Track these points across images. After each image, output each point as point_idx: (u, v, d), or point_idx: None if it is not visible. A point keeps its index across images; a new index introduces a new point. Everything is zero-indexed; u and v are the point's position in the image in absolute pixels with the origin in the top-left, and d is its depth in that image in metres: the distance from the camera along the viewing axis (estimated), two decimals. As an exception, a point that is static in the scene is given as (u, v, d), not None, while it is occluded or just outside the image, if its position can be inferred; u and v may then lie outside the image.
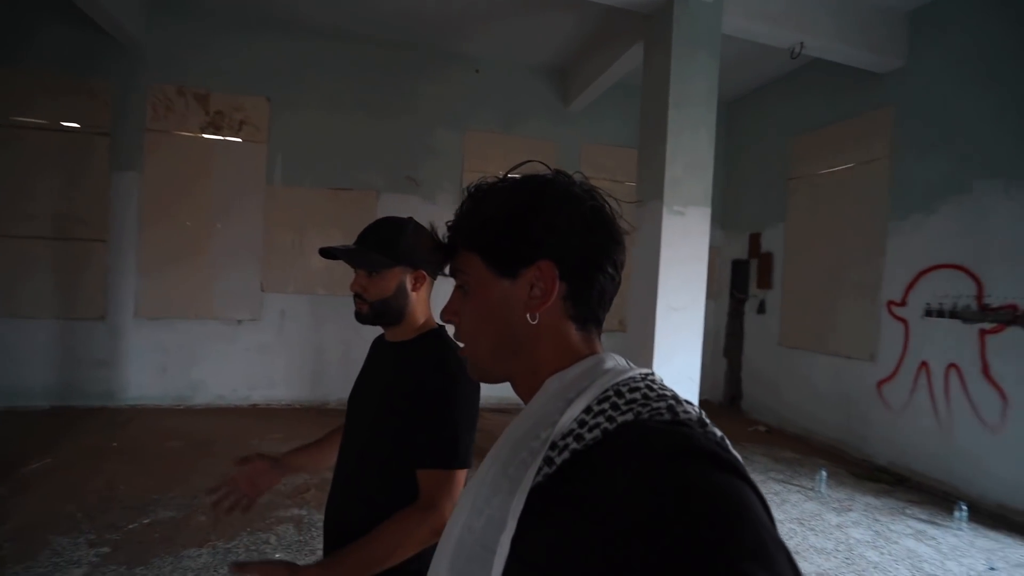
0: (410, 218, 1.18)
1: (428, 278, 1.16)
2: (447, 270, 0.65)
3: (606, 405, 0.48)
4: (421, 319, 1.17)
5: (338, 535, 1.10)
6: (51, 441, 3.80)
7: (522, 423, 0.54)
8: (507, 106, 5.77)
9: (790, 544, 2.00)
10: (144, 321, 4.85)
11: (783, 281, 5.52)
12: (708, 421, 0.48)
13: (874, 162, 4.53)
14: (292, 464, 1.32)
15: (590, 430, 0.47)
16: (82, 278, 4.70)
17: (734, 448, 0.46)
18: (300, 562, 2.39)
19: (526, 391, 0.58)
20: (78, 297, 4.70)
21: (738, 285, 6.20)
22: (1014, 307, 3.49)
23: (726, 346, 6.38)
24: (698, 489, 0.38)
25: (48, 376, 4.63)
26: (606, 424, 0.46)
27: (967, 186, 3.81)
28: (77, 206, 4.68)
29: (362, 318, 1.15)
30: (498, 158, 5.74)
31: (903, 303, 4.22)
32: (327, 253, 1.14)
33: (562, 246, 0.55)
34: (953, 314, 3.85)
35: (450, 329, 0.68)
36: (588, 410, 0.48)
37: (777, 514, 3.29)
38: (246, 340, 5.11)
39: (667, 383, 0.53)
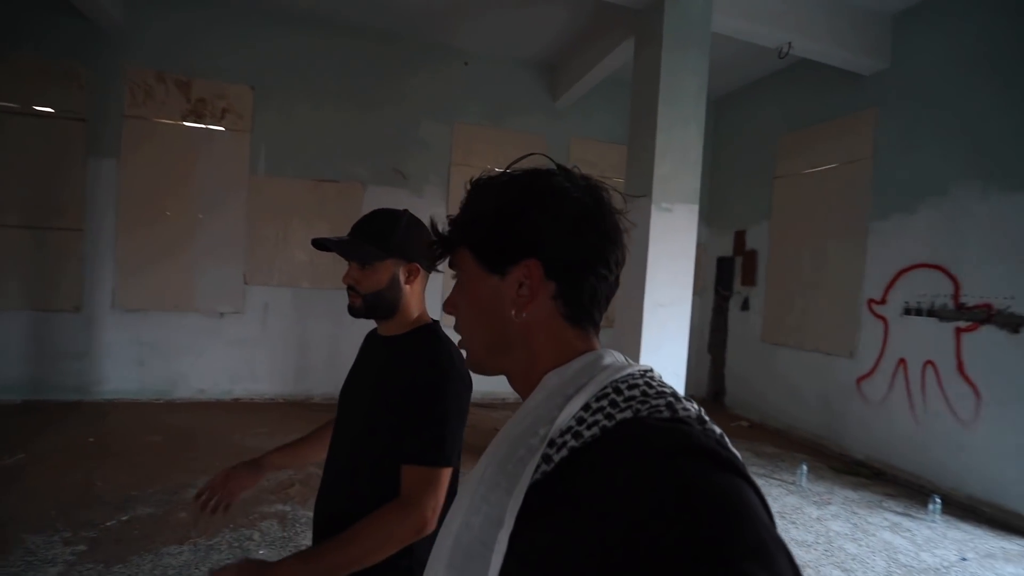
0: (405, 210, 1.16)
1: (422, 272, 1.14)
2: (447, 263, 0.64)
3: (605, 402, 0.48)
4: (415, 313, 1.15)
5: (328, 531, 1.08)
6: (24, 436, 3.69)
7: (520, 420, 0.53)
8: (496, 100, 5.74)
9: (774, 538, 2.04)
10: (122, 313, 4.72)
11: (767, 278, 5.60)
12: (707, 418, 0.47)
13: (857, 162, 4.61)
14: (274, 463, 1.30)
15: (589, 428, 0.46)
16: (57, 268, 4.56)
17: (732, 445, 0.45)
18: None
19: (522, 386, 0.58)
20: (53, 288, 4.56)
21: (723, 282, 6.27)
22: (988, 306, 3.58)
23: (710, 342, 6.46)
24: (697, 488, 0.37)
25: (21, 369, 4.49)
26: (605, 422, 0.46)
27: (945, 188, 3.90)
28: (51, 194, 4.53)
29: (355, 311, 1.13)
30: (486, 152, 5.71)
31: (883, 301, 4.31)
32: (319, 244, 1.11)
33: (549, 246, 0.54)
34: (931, 312, 3.94)
35: (450, 320, 0.67)
36: (587, 407, 0.48)
37: (759, 508, 3.34)
38: (228, 333, 5.01)
39: None
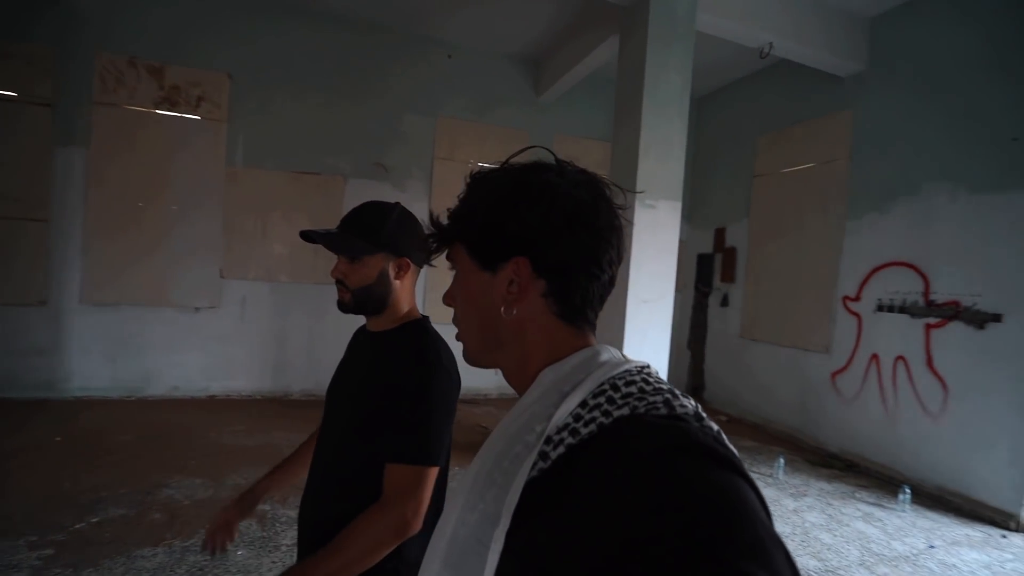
0: (396, 203, 1.13)
1: (413, 266, 1.12)
2: (444, 256, 0.64)
3: (602, 399, 0.47)
4: (404, 308, 1.13)
5: (313, 531, 1.07)
6: (-14, 435, 3.54)
7: (517, 417, 0.53)
8: (479, 94, 5.70)
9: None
10: (90, 307, 4.56)
11: (746, 275, 5.70)
12: (704, 415, 0.47)
13: (833, 162, 4.71)
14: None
15: (585, 424, 0.46)
16: (20, 260, 4.37)
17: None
18: (264, 558, 2.31)
19: (517, 382, 0.58)
20: (15, 281, 4.36)
21: (703, 279, 6.36)
22: (956, 303, 3.71)
23: (690, 338, 6.55)
24: (695, 486, 0.37)
25: (-19, 365, 4.30)
26: (602, 418, 0.46)
27: (917, 189, 4.01)
28: (13, 182, 4.33)
29: (344, 306, 1.10)
30: (470, 146, 5.68)
31: (857, 298, 4.43)
32: (307, 236, 1.08)
33: (539, 243, 0.54)
34: (902, 309, 4.06)
35: (439, 317, 0.66)
36: (583, 404, 0.47)
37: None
38: (204, 328, 4.88)
39: None
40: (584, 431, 0.46)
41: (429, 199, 5.53)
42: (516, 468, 0.48)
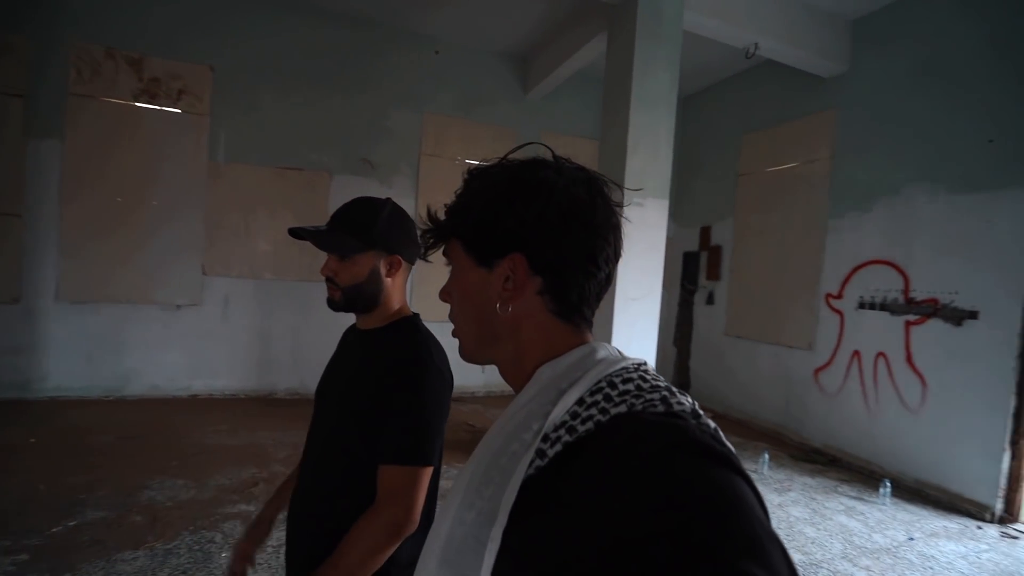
0: (388, 199, 1.11)
1: (404, 264, 1.10)
2: (441, 252, 0.63)
3: (599, 396, 0.47)
4: (395, 306, 1.11)
5: (302, 531, 1.04)
6: (-44, 437, 3.43)
7: (514, 414, 0.52)
8: (466, 90, 5.66)
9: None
10: (67, 305, 4.43)
11: (731, 273, 5.76)
12: (701, 412, 0.47)
13: (817, 162, 4.78)
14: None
15: (583, 422, 0.46)
16: (-8, 257, 4.23)
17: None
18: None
19: (513, 378, 0.58)
20: (-13, 278, 4.23)
21: (688, 276, 6.41)
22: (935, 301, 3.79)
23: (676, 335, 6.61)
24: (693, 484, 0.37)
25: (-49, 365, 4.16)
26: (599, 416, 0.45)
27: (897, 188, 4.09)
28: (-16, 176, 4.19)
29: (334, 305, 1.08)
30: (457, 143, 5.65)
31: (839, 296, 4.51)
32: (296, 234, 1.06)
33: (535, 240, 0.53)
34: (883, 306, 4.14)
35: (431, 315, 0.65)
36: (581, 401, 0.47)
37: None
38: (186, 326, 4.78)
39: None
40: (581, 429, 0.45)
41: (416, 196, 5.49)
42: (513, 466, 0.48)
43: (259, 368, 5.05)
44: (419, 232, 0.63)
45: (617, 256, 0.57)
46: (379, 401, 0.97)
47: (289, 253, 4.99)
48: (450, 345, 1.07)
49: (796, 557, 2.76)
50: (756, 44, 4.27)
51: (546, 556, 0.41)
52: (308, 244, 1.08)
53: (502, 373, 0.60)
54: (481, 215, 0.56)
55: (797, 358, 4.86)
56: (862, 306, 4.30)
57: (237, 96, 4.82)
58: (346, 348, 1.17)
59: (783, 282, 5.06)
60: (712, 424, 0.46)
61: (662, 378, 0.50)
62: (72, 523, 2.54)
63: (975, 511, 3.43)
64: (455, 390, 1.09)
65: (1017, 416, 3.34)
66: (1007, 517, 3.36)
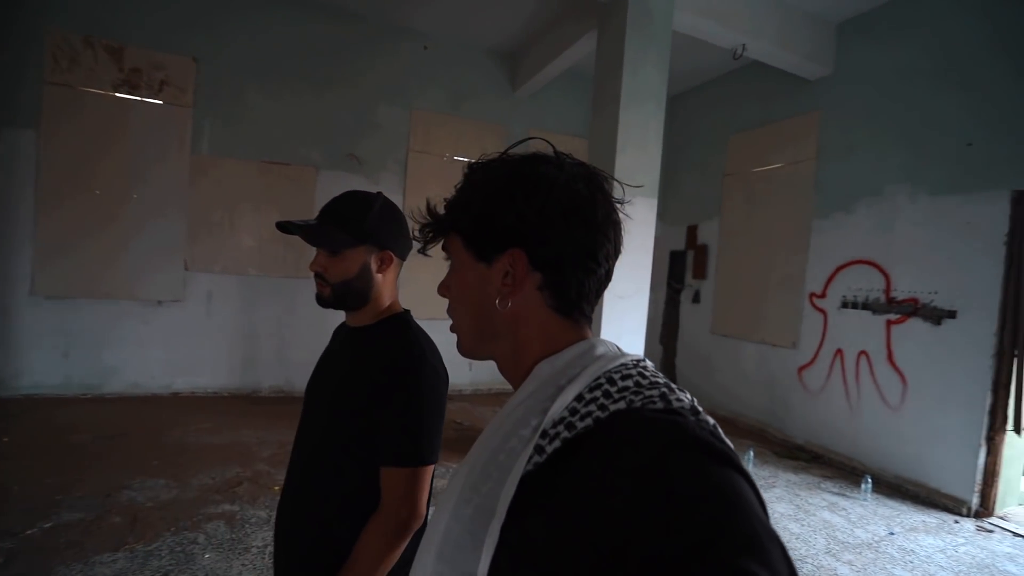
0: (379, 193, 1.09)
1: (396, 259, 1.08)
2: (440, 247, 0.63)
3: (598, 393, 0.47)
4: (386, 303, 1.09)
5: (292, 536, 1.02)
6: (-75, 437, 3.31)
7: (512, 410, 0.52)
8: (455, 86, 5.63)
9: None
10: (42, 300, 4.31)
11: (717, 272, 5.82)
12: (700, 409, 0.47)
13: (801, 163, 4.84)
14: None
15: (582, 419, 0.46)
16: (-38, 250, 4.09)
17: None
18: (234, 561, 2.23)
19: (511, 374, 0.58)
20: (-43, 272, 4.09)
21: (675, 275, 6.46)
22: (915, 300, 3.87)
23: (662, 334, 6.66)
24: (692, 481, 0.37)
25: (-81, 362, 4.02)
26: (598, 413, 0.46)
27: (879, 189, 4.16)
28: (-45, 167, 4.05)
29: (323, 301, 1.06)
30: (445, 139, 5.62)
31: (823, 295, 4.58)
32: (284, 228, 1.03)
33: (534, 236, 0.53)
34: (865, 306, 4.22)
35: (424, 313, 0.64)
36: (579, 398, 0.47)
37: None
38: (167, 322, 4.68)
39: None
40: (580, 425, 0.45)
41: (403, 192, 5.44)
42: (511, 462, 0.48)
43: (243, 365, 4.97)
44: (418, 226, 0.62)
45: (617, 253, 0.58)
46: (374, 401, 0.95)
47: (274, 249, 4.92)
48: (440, 342, 1.06)
49: (781, 552, 2.79)
50: (744, 45, 4.31)
51: (544, 552, 0.41)
52: (294, 239, 1.06)
53: (500, 369, 0.59)
54: (481, 210, 0.56)
55: (781, 357, 4.93)
56: (845, 305, 4.38)
57: (222, 88, 4.73)
58: (337, 346, 1.15)
59: (768, 281, 5.12)
60: (711, 421, 0.46)
61: (661, 375, 0.50)
62: (48, 525, 2.47)
63: (952, 506, 3.51)
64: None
65: (993, 413, 3.42)
66: (983, 511, 3.45)
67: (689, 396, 0.48)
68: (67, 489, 2.81)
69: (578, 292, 0.55)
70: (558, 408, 0.47)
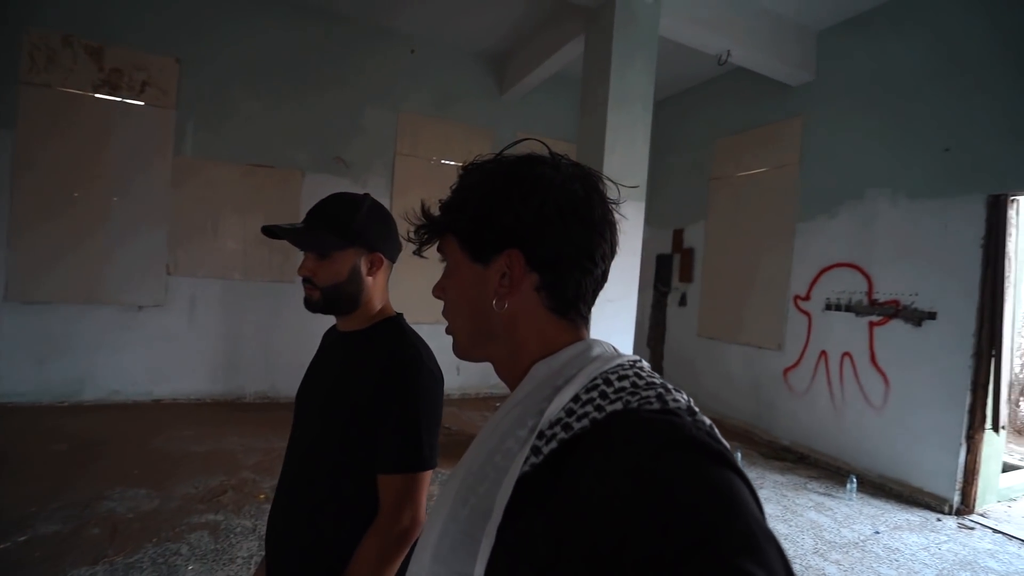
0: (366, 194, 1.08)
1: (386, 262, 1.06)
2: (435, 248, 0.62)
3: (595, 394, 0.47)
4: (377, 306, 1.08)
5: (283, 550, 0.99)
6: None
7: (508, 411, 0.52)
8: (442, 90, 5.63)
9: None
10: (17, 305, 4.18)
11: (703, 276, 5.88)
12: (697, 409, 0.47)
13: (785, 167, 4.92)
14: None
15: (579, 419, 0.46)
16: (-67, 255, 3.96)
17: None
18: (218, 572, 2.17)
19: (508, 376, 0.58)
20: (-73, 277, 3.96)
21: (662, 278, 6.51)
22: (896, 302, 3.95)
23: (649, 336, 6.70)
24: (689, 481, 0.37)
25: None
26: (595, 413, 0.46)
27: (861, 193, 4.25)
28: (-74, 169, 3.92)
29: (312, 305, 1.04)
30: (432, 142, 5.61)
31: (807, 297, 4.65)
32: (271, 232, 1.01)
33: (532, 237, 0.54)
34: (848, 308, 4.29)
35: (416, 316, 0.64)
36: (576, 399, 0.47)
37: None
38: (148, 328, 4.58)
39: None
40: (577, 426, 0.45)
41: (390, 196, 5.41)
42: (508, 463, 0.48)
43: (227, 371, 4.88)
44: (411, 228, 0.61)
45: (613, 253, 0.58)
46: (370, 406, 0.94)
47: (259, 253, 4.85)
48: (432, 347, 1.05)
49: (769, 553, 2.82)
50: (728, 51, 4.37)
51: (541, 553, 0.41)
52: (279, 243, 1.04)
53: (497, 370, 0.59)
54: (478, 211, 0.56)
55: (767, 358, 4.99)
56: (828, 307, 4.45)
57: (206, 90, 4.65)
58: (327, 351, 1.13)
59: (753, 284, 5.18)
60: (707, 421, 0.46)
61: (657, 375, 0.50)
62: (22, 538, 2.39)
63: (935, 504, 3.57)
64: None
65: (972, 412, 3.50)
66: (964, 509, 3.51)
67: (685, 396, 0.48)
68: (43, 500, 2.72)
69: (575, 292, 0.55)
70: (555, 409, 0.47)
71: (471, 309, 0.58)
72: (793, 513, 3.37)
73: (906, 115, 3.92)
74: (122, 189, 4.44)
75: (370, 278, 1.04)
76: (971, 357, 3.48)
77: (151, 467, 3.26)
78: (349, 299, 1.03)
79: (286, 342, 4.95)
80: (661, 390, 0.46)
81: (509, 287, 0.54)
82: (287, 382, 4.97)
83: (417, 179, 5.50)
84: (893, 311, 3.95)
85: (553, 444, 0.46)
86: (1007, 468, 4.07)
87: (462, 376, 5.68)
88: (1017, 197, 3.43)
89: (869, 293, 4.15)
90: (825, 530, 3.15)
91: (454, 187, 0.59)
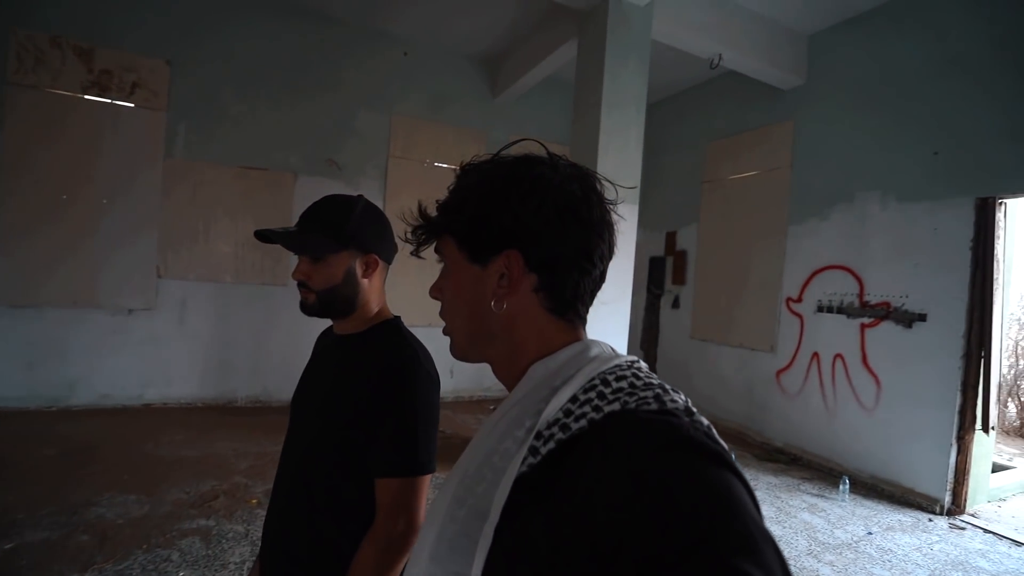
0: (360, 196, 1.07)
1: (381, 263, 1.06)
2: (433, 249, 0.62)
3: (592, 394, 0.47)
4: (374, 309, 1.07)
5: (279, 557, 0.98)
6: None
7: (506, 412, 0.52)
8: (435, 92, 5.63)
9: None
10: (5, 309, 4.12)
11: (696, 278, 5.90)
12: (695, 409, 0.47)
13: (776, 170, 4.96)
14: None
15: (576, 420, 0.46)
16: (-82, 258, 3.90)
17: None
18: (211, 579, 2.14)
19: (506, 376, 0.58)
20: (-88, 280, 3.89)
21: (655, 281, 6.53)
22: (887, 304, 3.98)
23: (642, 339, 6.71)
24: (686, 482, 0.37)
25: None
26: (593, 414, 0.46)
27: (851, 196, 4.29)
28: (-90, 170, 3.86)
29: (308, 309, 1.03)
30: (425, 145, 5.60)
31: (799, 300, 4.68)
32: (263, 236, 1.00)
33: (531, 238, 0.53)
34: (839, 310, 4.32)
35: (414, 319, 0.63)
36: (574, 399, 0.47)
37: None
38: (138, 332, 4.53)
39: None
40: (574, 426, 0.45)
41: (383, 198, 5.39)
42: (505, 463, 0.48)
43: (218, 375, 4.83)
44: (408, 229, 0.61)
45: (611, 253, 0.58)
46: (368, 409, 0.93)
47: (251, 256, 4.82)
48: (432, 346, 1.05)
49: (763, 554, 2.82)
50: (720, 55, 4.41)
51: (539, 554, 0.41)
52: (271, 246, 1.03)
53: (495, 371, 0.59)
54: (476, 211, 0.55)
55: (759, 360, 5.01)
56: (820, 309, 4.48)
57: (197, 91, 4.62)
58: (323, 355, 1.12)
59: (746, 286, 5.21)
60: (705, 422, 0.46)
61: (655, 376, 0.50)
62: (9, 546, 2.34)
63: (926, 504, 3.60)
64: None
65: (962, 413, 3.53)
66: (955, 509, 3.54)
67: (683, 397, 0.48)
68: (31, 507, 2.68)
69: (573, 293, 0.55)
70: (552, 409, 0.47)
71: (469, 310, 0.57)
72: (787, 515, 3.38)
73: (896, 119, 3.97)
74: (112, 191, 4.39)
75: (365, 280, 1.04)
76: (961, 358, 3.52)
77: (141, 472, 3.22)
78: (345, 302, 1.02)
79: (278, 345, 4.92)
80: (659, 390, 0.46)
81: (508, 288, 0.54)
82: (279, 386, 4.93)
83: (410, 182, 5.49)
84: (884, 313, 3.99)
85: (551, 445, 0.46)
86: (996, 468, 4.11)
87: (455, 379, 5.67)
88: (1005, 200, 3.48)
89: (860, 295, 4.18)
90: (818, 531, 3.16)
91: (451, 187, 0.59)
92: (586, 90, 3.82)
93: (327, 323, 1.14)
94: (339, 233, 0.99)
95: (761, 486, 3.85)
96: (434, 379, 0.99)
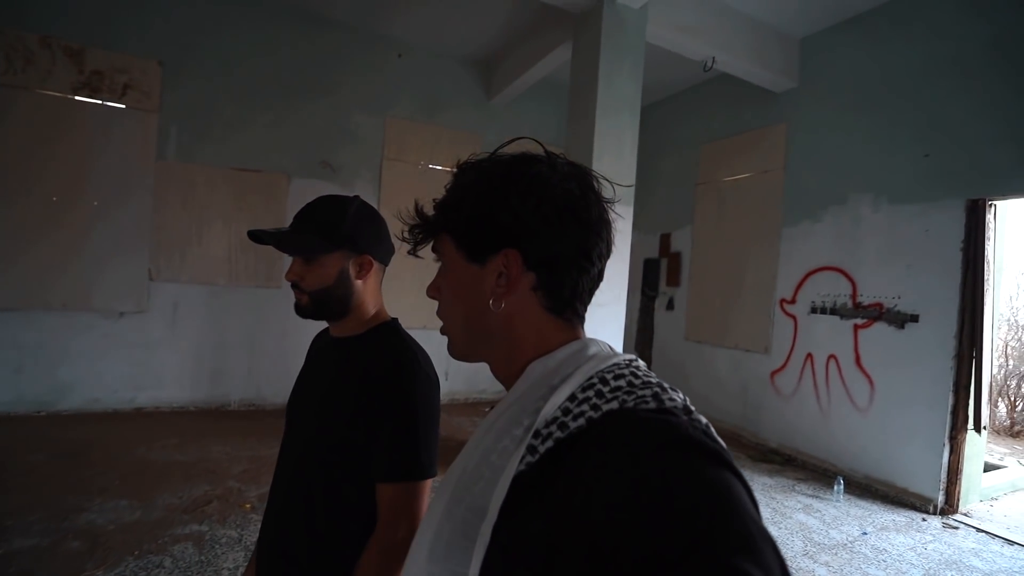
0: (355, 196, 1.06)
1: (376, 264, 1.05)
2: (430, 248, 0.62)
3: (591, 393, 0.47)
4: (371, 311, 1.05)
5: (277, 563, 0.96)
6: None
7: (504, 410, 0.52)
8: (430, 95, 5.62)
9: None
10: (-8, 313, 4.07)
11: (690, 280, 5.92)
12: (693, 408, 0.48)
13: (770, 172, 4.99)
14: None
15: (575, 419, 0.46)
16: (-96, 260, 3.84)
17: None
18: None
19: (504, 375, 0.58)
20: (-102, 284, 3.83)
21: (649, 283, 6.55)
22: (880, 305, 4.01)
23: (637, 340, 6.72)
24: (686, 481, 0.37)
25: None
26: (591, 412, 0.45)
27: (844, 198, 4.32)
28: None
29: (302, 311, 1.02)
30: (420, 147, 5.59)
31: (793, 301, 4.70)
32: (256, 237, 0.99)
33: (529, 236, 0.53)
34: (833, 311, 4.35)
35: (412, 322, 0.63)
36: (572, 398, 0.47)
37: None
38: (130, 335, 4.48)
39: None
40: (573, 425, 0.45)
41: (378, 200, 5.37)
42: (504, 462, 0.48)
43: (211, 378, 4.79)
44: (404, 228, 0.60)
45: (609, 252, 0.58)
46: (367, 412, 0.92)
47: (244, 258, 4.79)
48: (431, 348, 1.04)
49: (759, 555, 2.83)
50: (713, 58, 4.43)
51: (536, 552, 0.41)
52: (264, 248, 1.02)
53: (493, 370, 0.59)
54: (474, 210, 0.55)
55: (754, 362, 5.03)
56: (814, 311, 4.50)
57: (189, 92, 4.59)
58: (320, 357, 1.10)
59: (740, 288, 5.24)
60: (703, 420, 0.46)
61: (653, 374, 0.50)
62: (-2, 553, 2.31)
63: (919, 504, 3.62)
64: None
65: (955, 413, 3.56)
66: (948, 508, 3.57)
67: (682, 396, 0.48)
68: (19, 513, 2.64)
69: (572, 292, 0.55)
70: (551, 408, 0.47)
71: (467, 309, 0.57)
72: (782, 515, 3.39)
73: (888, 121, 4.01)
74: (103, 194, 4.35)
75: (360, 281, 1.02)
76: (953, 359, 3.54)
77: (133, 477, 3.18)
78: (339, 303, 1.01)
79: (272, 348, 4.89)
80: (657, 389, 0.46)
81: (506, 287, 0.54)
82: (273, 389, 4.90)
83: (405, 184, 5.47)
84: (877, 314, 4.02)
85: (549, 443, 0.45)
86: (988, 468, 4.15)
87: (450, 381, 5.65)
88: (995, 201, 3.52)
89: (853, 296, 4.21)
90: (814, 532, 3.17)
91: (449, 186, 0.58)
92: (581, 93, 3.83)
93: (321, 326, 1.13)
94: (332, 233, 0.98)
95: (756, 487, 3.86)
96: (434, 381, 0.98)
